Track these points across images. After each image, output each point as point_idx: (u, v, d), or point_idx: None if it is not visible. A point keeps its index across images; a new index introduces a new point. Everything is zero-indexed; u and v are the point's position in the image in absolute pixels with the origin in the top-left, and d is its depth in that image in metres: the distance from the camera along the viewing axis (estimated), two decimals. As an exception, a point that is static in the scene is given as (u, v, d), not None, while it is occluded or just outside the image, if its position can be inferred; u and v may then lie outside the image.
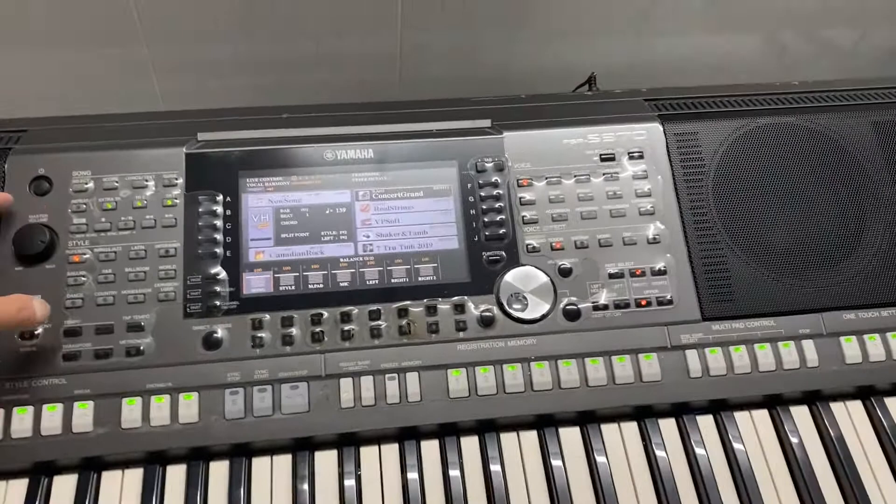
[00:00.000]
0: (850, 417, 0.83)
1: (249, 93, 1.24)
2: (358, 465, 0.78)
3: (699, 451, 0.79)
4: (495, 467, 0.77)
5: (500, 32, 1.20)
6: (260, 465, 0.77)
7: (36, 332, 0.78)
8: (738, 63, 1.32)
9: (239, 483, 0.76)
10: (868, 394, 0.84)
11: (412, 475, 0.77)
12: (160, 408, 0.76)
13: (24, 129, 0.88)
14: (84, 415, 0.75)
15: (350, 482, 0.76)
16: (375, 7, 1.12)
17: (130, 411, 0.76)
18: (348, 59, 1.20)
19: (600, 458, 0.78)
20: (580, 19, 1.16)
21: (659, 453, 0.79)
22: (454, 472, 0.77)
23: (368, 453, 0.79)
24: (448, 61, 1.23)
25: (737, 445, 0.80)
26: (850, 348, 0.83)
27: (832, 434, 0.81)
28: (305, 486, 0.76)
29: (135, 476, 0.76)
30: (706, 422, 0.82)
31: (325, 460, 0.78)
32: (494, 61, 1.25)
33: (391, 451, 0.79)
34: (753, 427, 0.82)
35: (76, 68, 1.12)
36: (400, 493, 0.76)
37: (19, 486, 0.75)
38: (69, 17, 1.04)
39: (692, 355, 0.82)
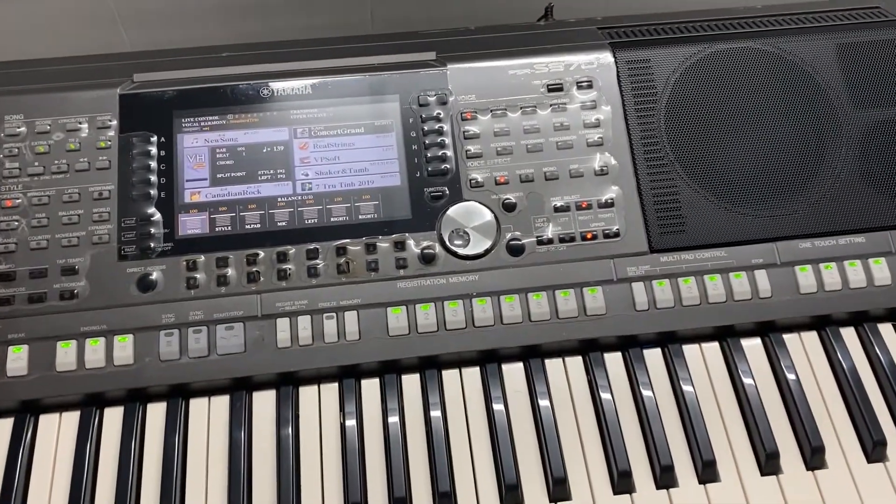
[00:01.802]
0: (805, 348, 0.81)
1: (219, 40, 1.21)
2: (296, 406, 0.77)
3: (644, 387, 0.77)
4: (435, 411, 0.76)
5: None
6: (197, 406, 0.77)
7: (-31, 278, 0.77)
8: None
9: (175, 424, 0.75)
10: (823, 324, 0.81)
11: (350, 418, 0.75)
12: (95, 350, 0.76)
13: (-42, 73, 0.86)
14: (18, 359, 0.75)
15: (287, 424, 0.75)
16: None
17: (65, 354, 0.75)
18: (318, 2, 1.17)
19: (542, 396, 0.77)
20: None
21: (603, 389, 0.77)
22: (393, 418, 0.75)
23: (307, 393, 0.78)
24: (417, 1, 1.20)
25: (684, 377, 0.78)
26: (805, 277, 0.81)
27: (783, 365, 0.79)
28: (242, 428, 0.75)
29: (71, 419, 0.76)
30: (654, 355, 0.80)
31: (263, 401, 0.77)
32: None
33: (331, 390, 0.78)
34: (703, 359, 0.80)
35: (40, 20, 1.10)
36: (338, 434, 0.75)
37: (-47, 430, 0.75)
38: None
39: (638, 288, 0.80)
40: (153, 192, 0.80)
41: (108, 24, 1.13)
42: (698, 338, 0.81)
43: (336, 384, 0.78)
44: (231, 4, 1.15)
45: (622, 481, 0.72)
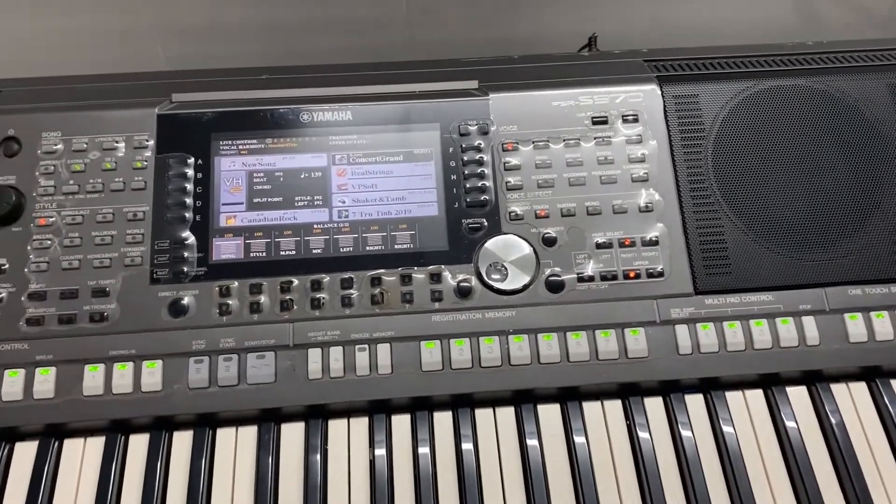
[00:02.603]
0: (853, 400, 0.78)
1: (257, 59, 1.21)
2: (325, 440, 0.75)
3: (685, 432, 0.75)
4: (467, 445, 0.74)
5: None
6: (224, 436, 0.75)
7: (0, 296, 0.76)
8: (767, 32, 1.25)
9: (201, 454, 0.73)
10: (873, 375, 0.78)
11: (380, 451, 0.73)
12: (123, 375, 0.74)
13: (-2, 89, 0.86)
14: (46, 381, 0.74)
15: (316, 456, 0.73)
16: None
17: (93, 378, 0.74)
18: (357, 23, 1.17)
19: (579, 438, 0.74)
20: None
21: (642, 433, 0.74)
22: (424, 449, 0.73)
23: (337, 427, 0.76)
24: (457, 25, 1.19)
25: (726, 427, 0.75)
26: (855, 326, 0.78)
27: (831, 417, 0.76)
28: (269, 460, 0.73)
29: (96, 444, 0.74)
30: (695, 401, 0.77)
31: (292, 433, 0.75)
32: (504, 25, 1.20)
33: (360, 424, 0.76)
34: (746, 408, 0.77)
35: (78, 35, 1.10)
36: (367, 470, 0.73)
37: (-20, 452, 0.74)
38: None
39: (682, 331, 0.77)
40: (188, 214, 0.79)
41: (144, 39, 1.12)
42: (742, 384, 0.78)
43: (366, 418, 0.76)
44: (269, 23, 1.14)
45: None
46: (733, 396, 0.77)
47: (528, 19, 1.19)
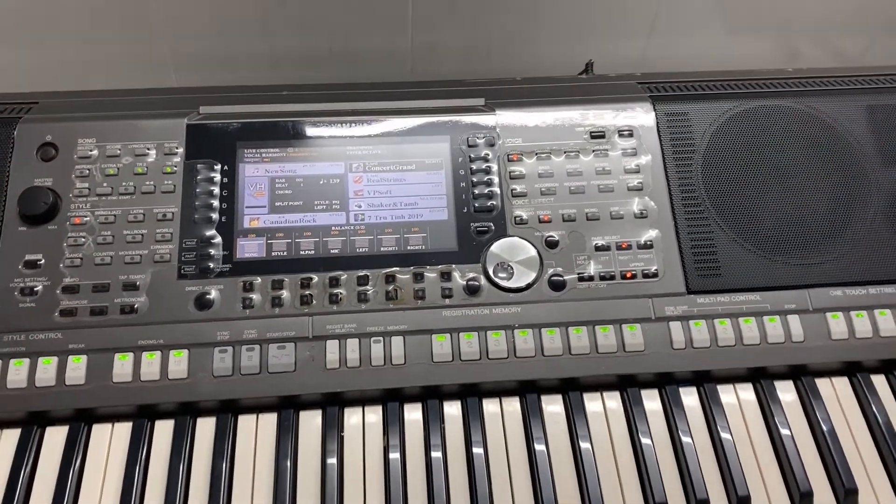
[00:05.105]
0: (836, 393, 0.83)
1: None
2: (341, 427, 0.79)
3: (681, 421, 0.79)
4: (476, 433, 0.78)
5: (508, 33, 1.22)
6: (245, 422, 0.79)
7: (35, 289, 0.80)
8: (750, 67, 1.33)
9: (224, 438, 0.77)
10: (854, 370, 0.84)
11: (394, 439, 0.78)
12: (151, 363, 0.78)
13: (34, 101, 0.91)
14: (77, 368, 0.78)
15: (333, 445, 0.77)
16: (387, 7, 1.14)
17: (122, 366, 0.78)
18: (361, 57, 1.23)
19: (581, 426, 0.79)
20: (590, 18, 1.18)
21: (640, 420, 0.79)
22: (435, 437, 0.78)
23: (352, 414, 0.80)
24: (459, 59, 1.26)
25: (719, 416, 0.80)
26: (837, 324, 0.83)
27: (815, 409, 0.81)
28: (289, 444, 0.77)
29: (123, 429, 0.78)
30: (689, 393, 0.82)
31: (310, 420, 0.79)
32: (503, 59, 1.27)
33: (374, 412, 0.80)
34: (737, 400, 0.82)
35: (99, 59, 1.16)
36: (381, 455, 0.77)
37: (12, 436, 0.77)
38: (89, 14, 1.09)
39: (676, 327, 0.82)
40: (214, 216, 0.85)
41: (158, 66, 1.18)
42: (733, 378, 0.83)
43: (380, 407, 0.80)
44: (279, 55, 1.20)
45: (658, 512, 0.74)
46: (725, 389, 0.82)
47: (527, 54, 1.26)
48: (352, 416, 0.80)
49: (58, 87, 1.16)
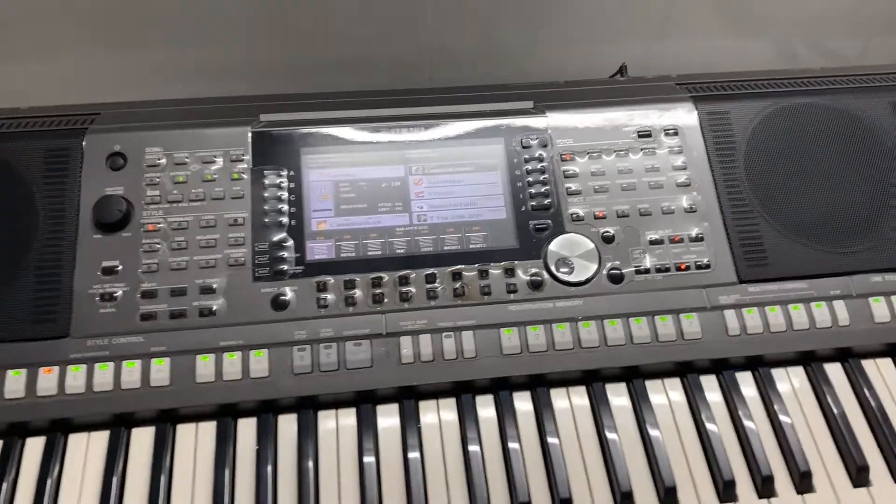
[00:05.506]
0: (881, 373, 0.87)
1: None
2: (417, 419, 0.82)
3: (741, 405, 0.83)
4: (548, 422, 0.81)
5: (523, 37, 1.26)
6: (326, 417, 0.82)
7: (115, 295, 0.83)
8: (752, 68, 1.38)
9: (307, 435, 0.80)
10: (898, 351, 0.89)
11: (471, 431, 0.81)
12: (232, 363, 0.81)
13: (97, 112, 0.93)
14: (161, 370, 0.80)
15: (413, 437, 0.80)
16: (403, 11, 1.17)
17: (204, 367, 0.81)
18: (377, 65, 1.26)
19: (647, 411, 0.83)
20: (605, 20, 1.22)
21: (702, 406, 0.83)
22: (511, 428, 0.81)
23: (427, 407, 0.83)
24: (476, 65, 1.29)
25: (776, 400, 0.84)
26: (879, 308, 0.88)
27: (864, 388, 0.85)
28: (370, 439, 0.80)
29: (208, 428, 0.80)
30: (745, 377, 0.86)
31: (387, 413, 0.82)
32: (520, 64, 1.30)
33: (448, 405, 0.83)
34: (790, 382, 0.86)
35: (137, 71, 1.17)
36: (459, 444, 0.81)
37: (101, 439, 0.80)
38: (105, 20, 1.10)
39: (730, 315, 0.87)
40: (284, 219, 0.87)
41: (187, 77, 1.19)
42: (784, 362, 0.88)
43: (453, 399, 0.84)
44: (301, 66, 1.22)
45: (727, 491, 0.78)
46: (778, 373, 0.87)
47: (546, 58, 1.29)
48: (427, 411, 0.83)
49: (101, 98, 1.17)
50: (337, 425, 0.82)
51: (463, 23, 1.20)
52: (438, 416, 0.83)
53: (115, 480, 0.77)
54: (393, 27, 1.19)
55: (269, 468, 0.78)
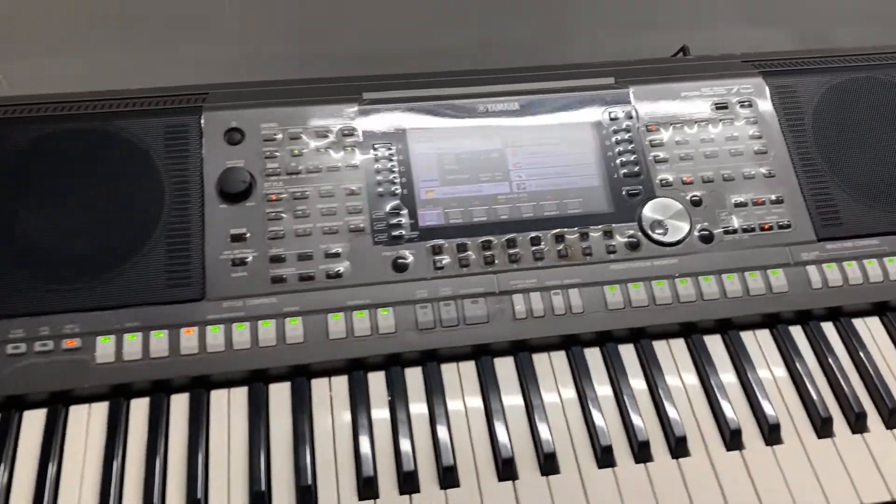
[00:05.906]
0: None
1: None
2: (533, 371, 0.88)
3: (830, 355, 0.90)
4: (657, 371, 0.88)
5: (580, 24, 1.32)
6: (448, 370, 0.87)
7: (246, 260, 0.87)
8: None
9: (434, 385, 0.85)
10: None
11: (587, 382, 0.87)
12: (361, 321, 0.86)
13: (206, 91, 0.98)
14: (295, 328, 0.85)
15: (535, 389, 0.86)
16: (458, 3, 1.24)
17: (335, 324, 0.86)
18: (435, 55, 1.31)
19: (747, 361, 0.89)
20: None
21: (796, 356, 0.90)
22: (623, 376, 0.87)
23: (540, 359, 0.89)
24: (531, 54, 1.34)
25: (861, 347, 0.91)
26: (944, 260, 0.96)
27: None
28: (494, 388, 0.85)
29: (341, 381, 0.86)
30: (828, 328, 0.93)
31: (504, 365, 0.88)
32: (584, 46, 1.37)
33: (559, 357, 0.89)
34: (869, 332, 0.94)
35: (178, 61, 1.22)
36: (575, 395, 0.86)
37: (240, 395, 0.84)
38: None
39: (812, 270, 0.94)
40: (396, 188, 0.93)
41: (235, 68, 1.25)
42: (860, 313, 0.95)
43: (563, 352, 0.89)
44: (346, 56, 1.27)
45: (824, 427, 0.85)
46: (857, 323, 0.94)
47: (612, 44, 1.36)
48: (540, 361, 0.89)
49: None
50: (459, 376, 0.87)
51: (517, 12, 1.27)
52: (552, 367, 0.88)
53: (261, 432, 0.81)
54: (447, 18, 1.25)
55: (404, 415, 0.83)
